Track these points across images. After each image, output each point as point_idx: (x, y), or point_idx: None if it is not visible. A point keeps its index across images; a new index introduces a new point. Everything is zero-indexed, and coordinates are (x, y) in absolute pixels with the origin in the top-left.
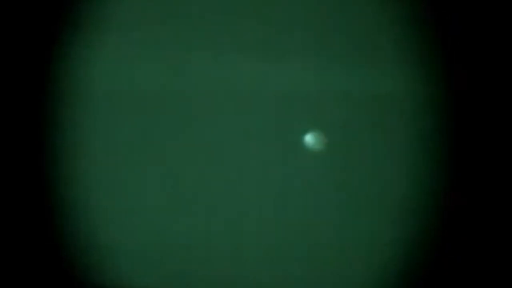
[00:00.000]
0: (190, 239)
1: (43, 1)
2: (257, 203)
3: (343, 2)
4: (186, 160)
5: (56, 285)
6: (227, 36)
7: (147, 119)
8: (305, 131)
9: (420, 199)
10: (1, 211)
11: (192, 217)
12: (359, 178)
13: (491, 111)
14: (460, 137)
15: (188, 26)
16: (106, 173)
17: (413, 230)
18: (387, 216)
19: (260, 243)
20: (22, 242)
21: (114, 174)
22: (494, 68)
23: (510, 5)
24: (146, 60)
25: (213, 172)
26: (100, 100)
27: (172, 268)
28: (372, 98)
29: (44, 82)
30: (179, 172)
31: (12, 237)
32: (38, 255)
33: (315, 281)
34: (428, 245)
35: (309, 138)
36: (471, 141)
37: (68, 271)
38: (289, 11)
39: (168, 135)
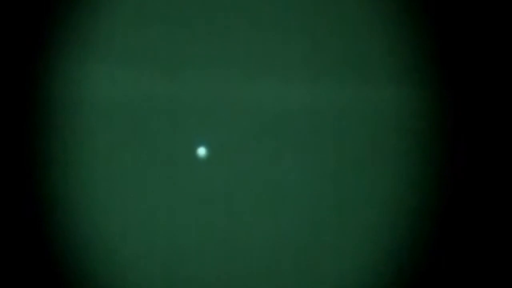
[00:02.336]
0: (186, 243)
1: (36, 14)
2: (251, 211)
3: (335, 18)
4: (179, 167)
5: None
6: (221, 52)
7: (142, 128)
8: (297, 145)
9: (413, 214)
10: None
11: (188, 220)
12: (352, 191)
13: (488, 130)
14: (455, 154)
15: (182, 40)
16: (104, 180)
17: (408, 233)
18: (381, 225)
19: (257, 245)
20: (21, 246)
21: (111, 181)
22: (489, 89)
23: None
24: (141, 71)
25: (208, 180)
26: (96, 110)
27: (169, 269)
28: (365, 114)
29: (40, 88)
30: (173, 177)
31: (10, 240)
32: (35, 258)
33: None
34: (424, 246)
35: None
36: (466, 159)
37: (64, 273)
38: (282, 26)
39: (160, 142)
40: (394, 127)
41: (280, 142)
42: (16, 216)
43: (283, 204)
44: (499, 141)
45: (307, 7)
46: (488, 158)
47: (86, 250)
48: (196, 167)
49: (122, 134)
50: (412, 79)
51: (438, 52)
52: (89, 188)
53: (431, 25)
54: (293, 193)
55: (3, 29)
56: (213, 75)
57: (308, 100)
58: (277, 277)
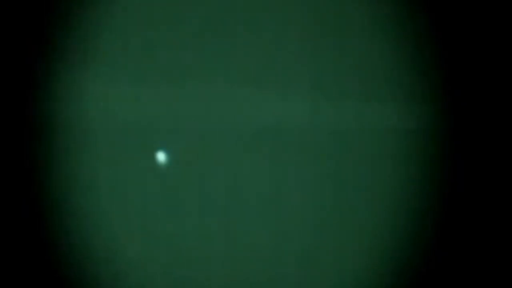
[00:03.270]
0: (185, 245)
1: (34, 23)
2: (250, 221)
3: (337, 32)
4: (179, 177)
5: None
6: (224, 67)
7: (140, 137)
8: (297, 163)
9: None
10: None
11: (188, 223)
12: (350, 203)
13: (487, 132)
14: (455, 156)
15: (181, 52)
16: (104, 187)
17: (409, 234)
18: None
19: (256, 247)
20: (20, 249)
21: (111, 188)
22: (492, 99)
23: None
24: (142, 87)
25: (208, 188)
26: (95, 126)
27: (170, 273)
28: (367, 133)
29: (39, 96)
30: (172, 185)
31: (10, 242)
32: (34, 261)
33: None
34: (424, 247)
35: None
36: (466, 160)
37: (64, 277)
38: (283, 40)
39: (158, 151)
40: (395, 142)
41: (279, 155)
42: (16, 220)
43: (281, 214)
44: (499, 143)
45: (308, 19)
46: (488, 159)
47: (87, 254)
48: (195, 177)
49: (120, 143)
50: (414, 94)
51: (440, 67)
52: (90, 195)
53: (433, 38)
54: (292, 203)
55: (3, 35)
56: (212, 87)
57: (308, 114)
58: (279, 280)
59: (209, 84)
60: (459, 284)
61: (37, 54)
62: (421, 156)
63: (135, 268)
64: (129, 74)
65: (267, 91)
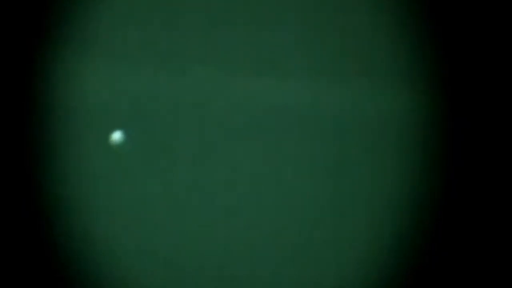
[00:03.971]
0: (186, 239)
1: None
2: (250, 204)
3: (337, 17)
4: (179, 164)
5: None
6: (225, 52)
7: (143, 125)
8: (296, 142)
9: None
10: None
11: (187, 217)
12: (352, 187)
13: (487, 129)
14: (455, 153)
15: (185, 39)
16: (105, 176)
17: (408, 230)
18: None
19: (257, 243)
20: (19, 242)
21: (112, 177)
22: (489, 89)
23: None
24: (143, 69)
25: (208, 176)
26: (96, 108)
27: (168, 266)
28: (364, 112)
29: (39, 87)
30: (174, 173)
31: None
32: (34, 254)
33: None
34: (423, 243)
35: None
36: (465, 157)
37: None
38: (288, 29)
39: (162, 141)
40: (394, 126)
41: (280, 139)
42: (17, 216)
43: (282, 199)
44: (498, 140)
45: (308, 5)
46: (487, 157)
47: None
48: (196, 161)
49: (120, 127)
50: (413, 78)
51: (438, 54)
52: (90, 183)
53: (432, 26)
54: (292, 188)
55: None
56: (213, 70)
57: (308, 97)
58: (278, 274)
59: (211, 70)
60: (459, 281)
61: (37, 39)
62: (421, 139)
63: (132, 260)
64: (128, 61)
65: (268, 74)
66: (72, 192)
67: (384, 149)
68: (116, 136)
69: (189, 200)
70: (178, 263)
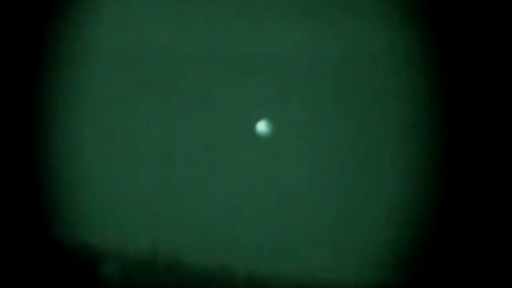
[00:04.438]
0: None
1: None
2: (248, 177)
3: None
4: (179, 120)
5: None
6: (217, 6)
7: (145, 75)
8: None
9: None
10: None
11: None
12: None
13: (488, 126)
14: (455, 150)
15: None
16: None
17: (408, 229)
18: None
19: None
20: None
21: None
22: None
23: None
24: (147, 16)
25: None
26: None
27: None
28: (361, 56)
29: (44, 42)
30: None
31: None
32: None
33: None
34: (424, 242)
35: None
36: (465, 155)
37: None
38: None
39: (164, 93)
40: (388, 69)
41: (277, 85)
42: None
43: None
44: (499, 138)
45: None
46: (488, 154)
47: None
48: (197, 115)
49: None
50: (406, 22)
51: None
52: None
53: None
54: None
55: None
56: (214, 20)
57: (305, 42)
58: (278, 273)
59: (205, 12)
60: (459, 281)
61: None
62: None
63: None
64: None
65: (264, 20)
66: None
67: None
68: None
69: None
70: (181, 260)
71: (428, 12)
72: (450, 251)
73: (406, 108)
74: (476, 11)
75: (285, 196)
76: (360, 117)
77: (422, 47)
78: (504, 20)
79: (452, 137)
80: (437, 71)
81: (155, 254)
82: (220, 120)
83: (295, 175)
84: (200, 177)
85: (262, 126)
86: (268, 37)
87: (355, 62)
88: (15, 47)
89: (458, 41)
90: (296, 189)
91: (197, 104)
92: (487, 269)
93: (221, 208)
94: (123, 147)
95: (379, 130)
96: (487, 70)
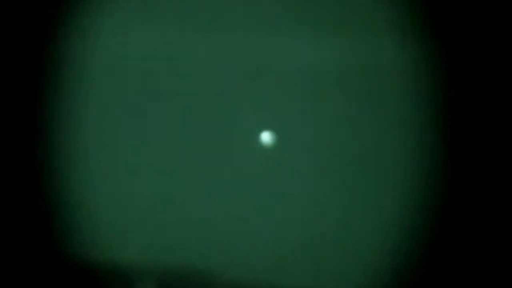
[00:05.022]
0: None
1: None
2: (251, 181)
3: None
4: (180, 136)
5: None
6: (221, 11)
7: (142, 91)
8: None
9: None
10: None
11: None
12: (354, 153)
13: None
14: (458, 151)
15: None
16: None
17: (411, 231)
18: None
19: (255, 236)
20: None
21: (107, 144)
22: (492, 34)
23: None
24: (143, 32)
25: (209, 148)
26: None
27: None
28: (370, 69)
29: (40, 56)
30: (174, 149)
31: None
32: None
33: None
34: (426, 244)
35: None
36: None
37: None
38: None
39: (163, 108)
40: (397, 87)
41: (284, 101)
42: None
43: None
44: (501, 138)
45: None
46: (490, 155)
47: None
48: (202, 125)
49: (122, 100)
50: (416, 39)
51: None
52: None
53: None
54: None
55: None
56: (214, 36)
57: (311, 59)
58: (281, 275)
59: (207, 27)
60: (461, 283)
61: None
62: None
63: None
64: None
65: (269, 35)
66: (76, 189)
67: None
68: (265, 137)
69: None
70: (182, 261)
71: (436, 22)
72: (454, 253)
73: (413, 117)
74: (484, 20)
75: (289, 201)
76: (366, 126)
77: (430, 58)
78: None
79: (458, 145)
80: (446, 83)
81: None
82: (224, 128)
83: (300, 181)
84: (206, 186)
85: (266, 135)
86: (272, 47)
87: (362, 72)
88: (15, 53)
89: (466, 51)
90: (301, 193)
91: (200, 112)
92: (490, 271)
93: (225, 215)
94: (125, 157)
95: (384, 136)
96: (496, 78)
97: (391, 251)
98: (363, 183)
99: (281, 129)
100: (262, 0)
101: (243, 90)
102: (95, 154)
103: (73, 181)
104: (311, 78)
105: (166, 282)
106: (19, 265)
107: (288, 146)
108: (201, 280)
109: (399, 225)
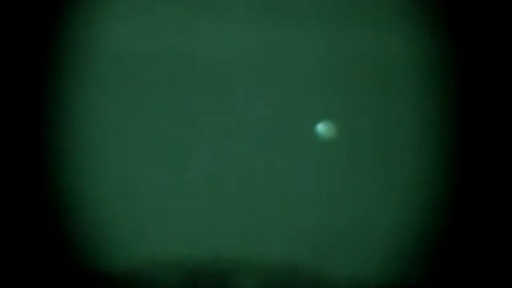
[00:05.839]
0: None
1: None
2: (263, 176)
3: None
4: (187, 131)
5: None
6: (227, 2)
7: (148, 82)
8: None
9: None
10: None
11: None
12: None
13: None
14: (466, 151)
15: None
16: (107, 141)
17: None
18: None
19: (267, 228)
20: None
21: (115, 141)
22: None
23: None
24: (147, 22)
25: (216, 139)
26: (92, 60)
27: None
28: (378, 61)
29: (46, 47)
30: (170, 131)
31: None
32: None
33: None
34: (431, 239)
35: (320, 127)
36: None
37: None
38: None
39: (168, 101)
40: (405, 79)
41: (291, 92)
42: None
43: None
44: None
45: None
46: (496, 155)
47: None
48: (206, 131)
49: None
50: (422, 30)
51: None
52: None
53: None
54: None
55: None
56: (221, 28)
57: (322, 51)
58: (287, 273)
59: (214, 19)
60: (468, 279)
61: None
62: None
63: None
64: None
65: (279, 30)
66: (82, 185)
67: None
68: (323, 127)
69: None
70: (189, 257)
71: (442, 17)
72: (462, 252)
73: (424, 113)
74: (490, 18)
75: (302, 199)
76: (375, 122)
77: (436, 52)
78: None
79: (467, 144)
80: (452, 77)
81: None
82: (234, 125)
83: (314, 179)
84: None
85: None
86: (279, 43)
87: (369, 66)
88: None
89: (473, 45)
90: (314, 191)
91: (208, 109)
92: (497, 270)
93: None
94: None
95: (394, 134)
96: (503, 74)
97: (407, 248)
98: (378, 182)
99: (292, 127)
100: None
101: (253, 85)
102: (104, 153)
103: (87, 178)
104: (322, 73)
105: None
106: (23, 267)
107: (302, 145)
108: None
109: (413, 223)
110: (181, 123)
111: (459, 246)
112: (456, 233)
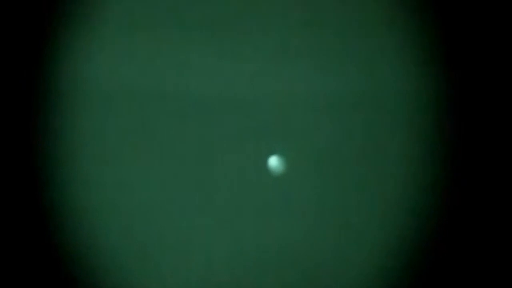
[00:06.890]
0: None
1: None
2: (255, 199)
3: (339, 5)
4: (181, 158)
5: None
6: (224, 38)
7: (144, 116)
8: (303, 131)
9: (418, 201)
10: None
11: (190, 217)
12: (357, 179)
13: (491, 110)
14: (459, 138)
15: (188, 28)
16: (104, 172)
17: (411, 229)
18: (385, 217)
19: (257, 245)
20: (21, 243)
21: (111, 172)
22: (494, 67)
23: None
24: (146, 59)
25: (208, 171)
26: (98, 98)
27: (169, 268)
28: (368, 99)
29: (40, 79)
30: (175, 169)
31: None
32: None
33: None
34: (426, 244)
35: (273, 161)
36: (470, 141)
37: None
38: (287, 14)
39: (164, 134)
40: (399, 121)
41: (284, 133)
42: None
43: (286, 201)
44: (501, 140)
45: (313, 2)
46: (491, 157)
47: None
48: (200, 160)
49: (124, 126)
50: (417, 73)
51: (442, 47)
52: (92, 183)
53: (435, 19)
54: (297, 189)
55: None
56: (220, 68)
57: (315, 92)
58: (283, 277)
59: (210, 55)
60: (463, 283)
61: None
62: (425, 138)
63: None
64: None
65: (274, 69)
66: (73, 194)
67: (390, 143)
68: (273, 161)
69: (191, 190)
70: (182, 267)
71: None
72: (455, 254)
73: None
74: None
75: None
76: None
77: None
78: None
79: (463, 155)
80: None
81: None
82: (229, 161)
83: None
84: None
85: (272, 163)
86: (276, 78)
87: (368, 99)
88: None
89: (470, 82)
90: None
91: (197, 148)
92: (492, 271)
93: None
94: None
95: (388, 149)
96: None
97: (399, 252)
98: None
99: (286, 159)
100: (265, 34)
101: (243, 118)
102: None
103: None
104: (315, 106)
105: None
106: (22, 269)
107: (293, 169)
108: None
109: (404, 227)
110: (192, 162)
111: (452, 252)
112: (449, 242)
